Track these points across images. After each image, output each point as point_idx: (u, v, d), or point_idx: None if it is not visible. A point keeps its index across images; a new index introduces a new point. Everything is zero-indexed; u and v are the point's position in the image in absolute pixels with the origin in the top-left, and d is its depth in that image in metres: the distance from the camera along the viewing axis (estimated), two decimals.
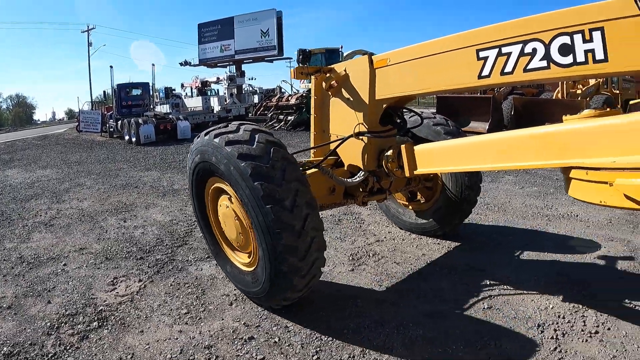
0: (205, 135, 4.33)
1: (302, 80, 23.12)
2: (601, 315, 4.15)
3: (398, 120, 4.79)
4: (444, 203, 5.94)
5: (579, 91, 22.43)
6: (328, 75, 4.93)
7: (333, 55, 30.08)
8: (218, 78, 39.23)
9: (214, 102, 33.54)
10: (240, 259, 4.71)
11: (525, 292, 4.68)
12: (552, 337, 3.86)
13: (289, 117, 25.06)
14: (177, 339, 3.99)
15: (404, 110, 5.12)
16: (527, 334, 3.93)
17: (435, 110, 16.24)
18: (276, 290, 4.04)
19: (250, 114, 33.93)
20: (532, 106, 18.84)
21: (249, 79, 43.82)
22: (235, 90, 37.49)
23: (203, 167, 4.46)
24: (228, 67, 42.21)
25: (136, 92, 28.71)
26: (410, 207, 6.47)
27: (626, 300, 4.40)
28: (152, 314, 4.44)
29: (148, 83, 29.88)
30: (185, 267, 5.61)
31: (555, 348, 3.70)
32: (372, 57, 4.51)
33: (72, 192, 10.71)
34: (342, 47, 31.50)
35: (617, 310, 4.23)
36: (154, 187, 10.79)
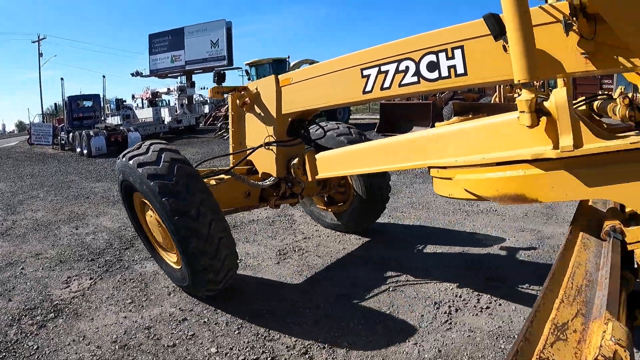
0: (123, 157, 4.97)
1: None
2: (496, 294, 4.92)
3: (303, 132, 5.58)
4: (358, 205, 6.74)
5: (516, 95, 23.53)
6: (242, 93, 5.69)
7: (280, 64, 30.51)
8: (169, 89, 39.39)
9: (165, 113, 33.57)
10: (170, 259, 5.46)
11: (430, 278, 5.44)
12: (445, 312, 4.62)
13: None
14: (122, 323, 4.71)
15: (314, 123, 5.89)
16: (423, 311, 4.68)
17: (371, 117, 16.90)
18: (198, 285, 4.82)
19: (200, 124, 34.39)
20: (471, 110, 19.79)
21: (201, 89, 44.07)
22: (186, 101, 37.64)
23: (126, 184, 5.18)
24: (179, 77, 42.37)
25: (87, 104, 28.85)
26: (329, 210, 7.29)
27: (522, 283, 5.20)
28: (101, 305, 5.15)
29: (99, 95, 30.08)
30: (131, 265, 6.34)
31: (447, 321, 4.46)
32: (278, 76, 5.28)
33: (26, 204, 11.17)
34: (289, 57, 31.75)
35: (511, 290, 5.02)
36: (105, 197, 11.36)
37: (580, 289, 2.12)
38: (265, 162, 5.59)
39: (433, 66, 3.43)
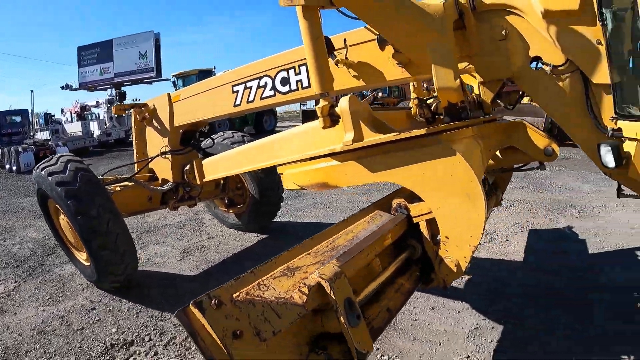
0: (37, 168, 5.78)
1: None
2: None
3: (193, 141, 6.42)
4: (253, 207, 7.59)
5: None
6: (142, 109, 6.46)
7: (206, 76, 30.59)
8: (98, 102, 38.98)
9: (94, 127, 32.75)
10: (82, 257, 6.24)
11: None
12: None
13: None
14: (40, 315, 5.47)
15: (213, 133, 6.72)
16: None
17: None
18: (103, 277, 5.67)
19: (130, 137, 34.35)
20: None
21: (133, 100, 43.80)
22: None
23: (41, 192, 6.01)
24: (109, 90, 42.07)
25: (16, 119, 28.68)
26: (230, 211, 8.12)
27: None
28: (24, 302, 5.87)
29: (27, 110, 29.87)
30: (52, 269, 7.05)
31: None
32: (170, 93, 6.08)
33: None
34: (215, 68, 31.97)
35: None
36: (32, 211, 11.83)
37: (336, 247, 2.45)
38: (163, 169, 6.39)
39: (285, 81, 4.23)
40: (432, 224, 2.86)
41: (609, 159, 2.98)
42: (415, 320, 4.76)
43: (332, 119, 3.13)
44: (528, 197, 9.53)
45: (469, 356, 4.09)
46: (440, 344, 4.31)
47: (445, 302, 5.08)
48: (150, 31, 38.89)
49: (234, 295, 1.78)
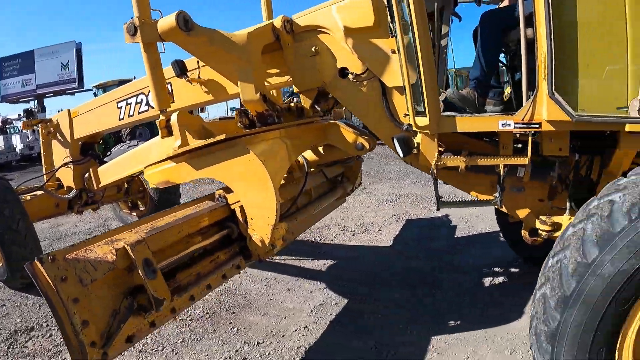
0: None
1: None
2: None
3: (91, 152, 7.03)
4: (153, 208, 8.18)
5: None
6: (47, 124, 7.00)
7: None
8: (19, 115, 38.29)
9: (16, 140, 32.05)
10: None
11: None
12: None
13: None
14: None
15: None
16: None
17: None
18: (14, 274, 6.20)
19: None
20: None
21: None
22: (38, 126, 36.46)
23: None
24: (31, 102, 41.19)
25: None
26: (133, 213, 8.79)
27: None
28: None
29: None
30: None
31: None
32: (70, 110, 6.68)
33: None
34: (135, 77, 32.19)
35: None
36: None
37: (154, 225, 3.18)
38: (67, 178, 6.95)
39: (141, 102, 5.03)
40: (243, 209, 3.63)
41: (399, 150, 3.77)
42: (270, 299, 5.50)
43: (169, 130, 3.67)
44: (415, 191, 10.57)
45: (306, 326, 4.80)
46: (285, 318, 5.02)
47: (301, 283, 5.90)
48: (72, 41, 38.34)
49: (66, 255, 2.55)
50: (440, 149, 3.78)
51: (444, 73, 4.32)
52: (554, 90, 3.18)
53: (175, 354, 4.45)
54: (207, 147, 3.49)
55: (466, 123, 3.56)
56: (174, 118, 3.60)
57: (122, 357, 4.37)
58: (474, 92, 3.81)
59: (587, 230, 2.69)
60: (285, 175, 4.23)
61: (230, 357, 4.30)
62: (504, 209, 4.11)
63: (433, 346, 4.34)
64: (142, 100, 5.18)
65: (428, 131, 3.65)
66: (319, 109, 4.33)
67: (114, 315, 2.66)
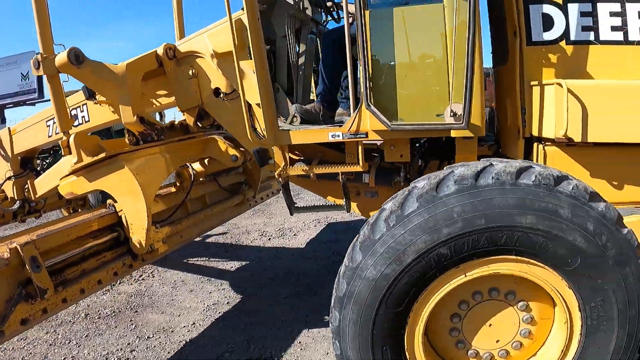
0: None
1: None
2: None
3: (29, 165, 7.65)
4: None
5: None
6: None
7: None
8: None
9: None
10: None
11: None
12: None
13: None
14: None
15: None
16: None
17: None
18: None
19: None
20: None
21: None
22: None
23: None
24: None
25: None
26: None
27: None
28: None
29: None
30: None
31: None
32: (10, 127, 7.21)
33: None
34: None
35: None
36: None
37: (48, 229, 3.89)
38: (10, 190, 7.41)
39: (75, 117, 5.46)
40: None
41: (256, 161, 4.26)
42: (172, 300, 6.15)
43: (69, 149, 4.31)
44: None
45: (194, 323, 5.45)
46: (179, 315, 5.68)
47: (204, 285, 6.58)
48: (32, 51, 37.62)
49: None
50: (295, 157, 4.29)
51: (303, 87, 4.68)
52: (369, 103, 3.53)
53: (79, 346, 5.09)
54: (94, 163, 4.23)
55: (299, 135, 3.91)
56: (71, 139, 4.20)
57: (34, 350, 5.08)
58: (319, 107, 4.12)
59: (359, 236, 3.10)
60: (178, 183, 5.13)
61: (121, 349, 4.96)
62: (357, 212, 4.64)
63: (300, 342, 4.87)
64: (76, 115, 5.57)
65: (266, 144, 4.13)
66: (200, 125, 4.84)
67: (9, 301, 3.41)
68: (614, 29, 3.57)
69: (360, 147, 3.83)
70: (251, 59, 3.85)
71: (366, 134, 3.66)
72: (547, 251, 2.82)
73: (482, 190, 2.82)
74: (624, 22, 3.55)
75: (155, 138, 4.57)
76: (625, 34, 3.56)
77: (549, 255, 2.84)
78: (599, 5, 3.56)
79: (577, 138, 3.35)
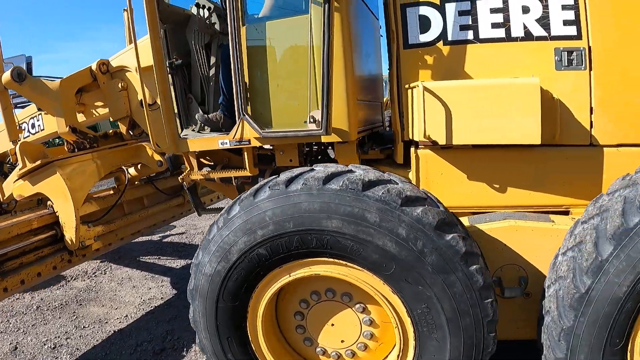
0: None
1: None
2: None
3: None
4: None
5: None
6: None
7: None
8: None
9: None
10: None
11: None
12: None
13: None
14: None
15: None
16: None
17: None
18: None
19: None
20: None
21: None
22: None
23: None
24: None
25: None
26: None
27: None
28: None
29: None
30: None
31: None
32: None
33: None
34: None
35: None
36: None
37: None
38: None
39: (33, 125, 5.91)
40: None
41: (169, 166, 4.71)
42: (115, 294, 6.59)
43: (17, 156, 4.75)
44: None
45: (127, 315, 5.88)
46: (117, 309, 6.10)
47: (147, 281, 6.99)
48: (22, 55, 38.07)
49: None
50: (206, 162, 4.51)
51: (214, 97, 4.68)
52: (243, 112, 3.73)
53: (25, 333, 5.57)
54: (33, 169, 4.69)
55: (196, 143, 4.15)
56: (17, 147, 4.66)
57: None
58: (220, 115, 4.19)
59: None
60: (117, 186, 5.58)
61: (59, 337, 5.44)
62: None
63: None
64: (25, 127, 6.03)
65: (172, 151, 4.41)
66: (132, 133, 5.24)
67: None
68: (494, 26, 3.46)
69: (246, 153, 4.04)
70: (168, 73, 4.18)
71: (249, 141, 3.86)
72: (359, 255, 2.86)
73: (291, 195, 2.93)
74: (506, 18, 3.43)
75: (87, 146, 5.07)
76: (508, 31, 3.45)
77: (363, 260, 2.88)
78: (479, 3, 3.47)
79: (442, 141, 3.34)
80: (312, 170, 3.08)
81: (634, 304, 2.49)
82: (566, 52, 3.37)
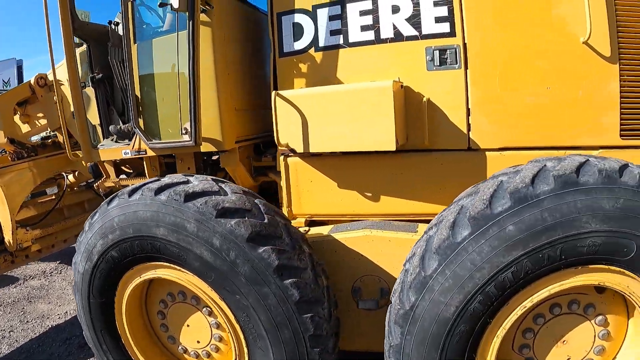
0: None
1: None
2: None
3: None
4: None
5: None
6: None
7: None
8: None
9: None
10: None
11: None
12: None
13: None
14: None
15: None
16: None
17: None
18: None
19: None
20: None
21: None
22: None
23: None
24: None
25: None
26: None
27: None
28: None
29: None
30: None
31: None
32: None
33: None
34: None
35: None
36: None
37: None
38: None
39: None
40: None
41: (91, 175, 4.91)
42: (63, 293, 6.94)
43: None
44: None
45: (67, 312, 6.26)
46: (61, 306, 6.49)
47: None
48: (13, 58, 37.82)
49: None
50: (128, 170, 4.76)
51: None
52: (134, 125, 3.89)
53: None
54: None
55: (106, 153, 4.36)
56: None
57: None
58: (131, 126, 4.19)
59: None
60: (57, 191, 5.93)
61: (4, 330, 5.88)
62: None
63: None
64: None
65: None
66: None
67: None
68: (364, 28, 3.37)
69: (146, 163, 4.26)
70: (90, 87, 4.43)
71: (145, 151, 4.02)
72: (185, 262, 3.03)
73: (131, 204, 3.15)
74: (376, 20, 3.33)
75: (25, 155, 5.49)
76: (377, 32, 3.35)
77: (189, 266, 3.04)
78: (349, 6, 3.39)
79: (299, 149, 3.35)
80: (158, 180, 3.27)
81: (469, 325, 2.42)
82: (438, 51, 3.24)
